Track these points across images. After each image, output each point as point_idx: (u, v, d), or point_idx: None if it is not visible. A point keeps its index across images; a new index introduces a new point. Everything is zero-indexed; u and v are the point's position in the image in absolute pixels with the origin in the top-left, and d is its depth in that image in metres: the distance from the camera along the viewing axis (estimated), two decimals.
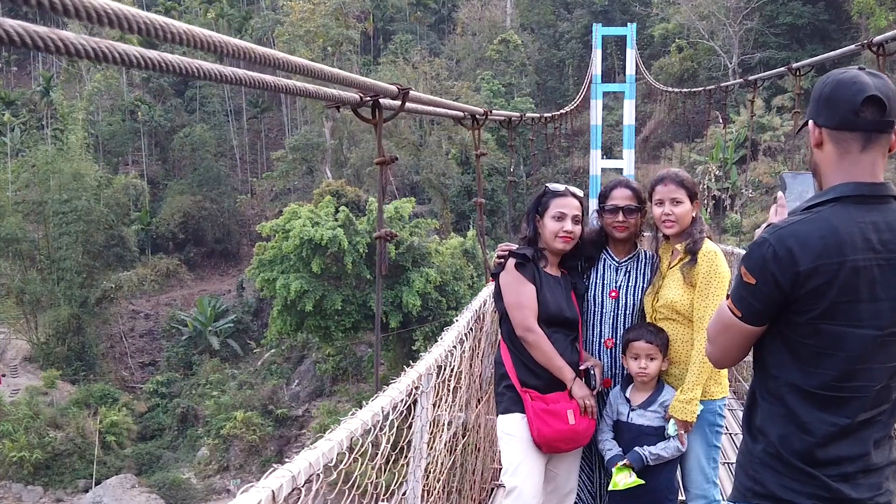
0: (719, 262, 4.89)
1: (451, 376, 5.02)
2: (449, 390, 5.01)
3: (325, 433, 3.05)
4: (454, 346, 5.17)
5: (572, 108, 40.02)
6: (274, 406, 43.34)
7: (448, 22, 73.60)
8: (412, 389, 4.11)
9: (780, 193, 3.01)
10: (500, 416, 5.15)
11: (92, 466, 40.82)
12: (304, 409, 43.58)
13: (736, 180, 41.23)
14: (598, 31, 45.47)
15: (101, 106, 68.80)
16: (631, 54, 44.75)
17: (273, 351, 47.60)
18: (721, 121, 39.23)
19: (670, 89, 41.77)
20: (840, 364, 2.70)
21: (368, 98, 4.36)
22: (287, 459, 2.71)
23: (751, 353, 2.99)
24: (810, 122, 2.80)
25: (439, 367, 4.71)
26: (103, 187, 55.50)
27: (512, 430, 5.02)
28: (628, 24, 47.34)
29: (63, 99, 64.26)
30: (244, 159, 70.22)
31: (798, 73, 10.65)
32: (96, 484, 39.66)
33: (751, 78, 14.70)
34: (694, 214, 5.05)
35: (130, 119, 67.18)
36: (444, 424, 5.09)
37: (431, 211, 50.63)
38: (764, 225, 2.93)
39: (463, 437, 5.84)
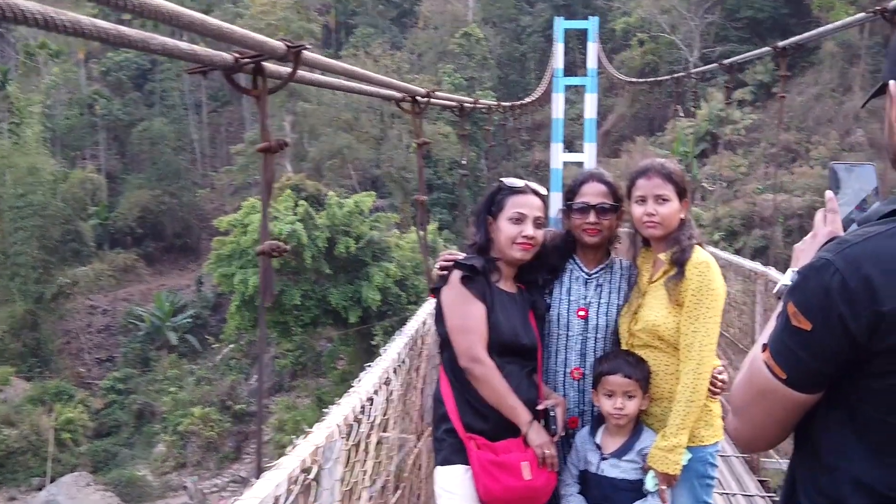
0: (713, 276, 4.04)
1: (371, 430, 3.86)
2: (367, 452, 3.79)
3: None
4: (375, 392, 3.97)
5: (532, 99, 39.93)
6: (232, 402, 42.87)
7: (410, 16, 73.23)
8: (299, 476, 2.84)
9: (829, 193, 2.16)
10: (438, 467, 4.21)
11: (46, 464, 40.07)
12: (263, 404, 43.06)
13: (697, 174, 41.20)
14: (560, 24, 45.43)
15: (58, 100, 67.86)
16: (592, 48, 44.73)
17: (232, 346, 47.09)
18: (682, 113, 39.23)
19: (635, 80, 41.80)
20: None
21: (247, 60, 3.19)
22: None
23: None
24: (892, 83, 1.95)
25: (352, 425, 3.52)
26: (60, 182, 54.76)
27: (452, 487, 4.09)
28: (590, 17, 47.34)
29: (20, 93, 63.33)
30: (204, 153, 69.53)
31: (784, 54, 9.90)
32: (51, 482, 38.98)
33: (726, 62, 14.30)
34: (683, 216, 4.18)
35: (88, 113, 66.25)
36: (361, 491, 3.80)
37: (392, 205, 50.36)
38: (813, 238, 2.13)
39: (395, 492, 4.72)
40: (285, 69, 3.53)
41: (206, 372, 46.87)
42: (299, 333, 38.02)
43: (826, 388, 1.87)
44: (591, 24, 45.10)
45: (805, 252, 2.10)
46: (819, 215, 2.15)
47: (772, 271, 9.05)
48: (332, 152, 52.81)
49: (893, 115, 1.93)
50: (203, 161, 69.25)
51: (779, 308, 1.97)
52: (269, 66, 3.36)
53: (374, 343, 35.21)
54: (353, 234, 35.98)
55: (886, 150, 1.99)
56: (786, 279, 2.08)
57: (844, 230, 2.07)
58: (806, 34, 10.00)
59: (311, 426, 3.31)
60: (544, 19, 60.92)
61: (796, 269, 2.02)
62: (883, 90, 1.99)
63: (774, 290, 2.22)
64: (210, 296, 53.14)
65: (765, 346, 1.95)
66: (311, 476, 2.94)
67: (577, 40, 52.96)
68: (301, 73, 3.91)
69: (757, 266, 9.83)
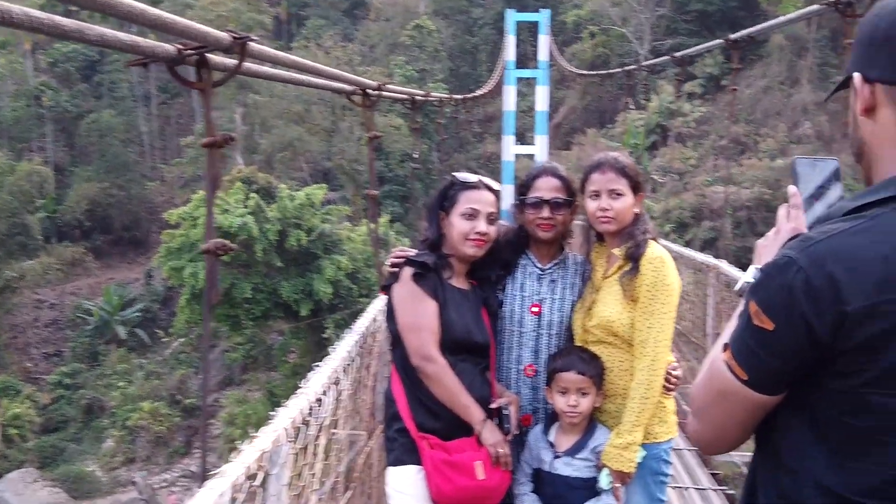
0: (667, 271, 4.01)
1: (320, 432, 3.70)
2: (315, 454, 3.64)
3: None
4: (324, 392, 3.83)
5: (484, 91, 39.97)
6: (182, 396, 42.51)
7: (361, 7, 72.99)
8: (244, 483, 2.70)
9: (791, 188, 2.09)
10: (390, 467, 4.13)
11: None
12: (214, 398, 42.75)
13: (647, 166, 41.38)
14: (512, 17, 45.39)
15: (4, 91, 66.88)
16: (544, 40, 44.75)
17: (182, 340, 46.69)
18: (633, 106, 39.47)
19: (586, 72, 41.92)
20: None
21: (191, 52, 3.04)
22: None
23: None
24: (856, 76, 1.85)
25: (300, 427, 3.37)
26: (6, 174, 54.02)
27: (404, 487, 4.01)
28: (541, 10, 47.41)
29: None
30: (153, 146, 68.85)
31: (736, 46, 9.97)
32: None
33: (678, 54, 14.36)
34: (637, 210, 4.14)
35: (35, 104, 65.27)
36: (310, 495, 3.65)
37: (343, 197, 50.17)
38: (776, 234, 2.07)
39: (345, 492, 4.57)
40: (232, 61, 3.36)
41: (156, 366, 46.45)
42: (250, 327, 37.77)
43: (788, 389, 1.82)
44: (543, 17, 45.07)
45: (768, 248, 2.06)
46: (782, 211, 2.11)
47: (723, 264, 9.07)
48: (283, 144, 52.55)
49: (857, 109, 1.86)
50: (152, 153, 68.61)
51: (740, 307, 1.91)
52: (215, 58, 3.20)
53: (325, 336, 35.11)
54: (304, 226, 35.83)
55: (850, 144, 1.96)
56: (748, 276, 2.04)
57: (808, 227, 2.03)
58: (758, 26, 10.02)
59: (261, 420, 3.22)
60: (496, 11, 60.92)
61: (759, 266, 1.99)
62: (847, 83, 1.92)
63: (736, 288, 2.15)
64: (160, 289, 52.66)
65: (726, 346, 1.89)
66: (257, 482, 2.83)
67: (528, 33, 53.04)
68: (248, 65, 3.76)
69: (708, 259, 9.83)
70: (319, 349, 31.72)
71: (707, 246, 29.49)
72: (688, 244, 27.85)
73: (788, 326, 1.72)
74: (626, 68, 26.31)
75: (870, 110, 1.84)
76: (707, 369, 1.95)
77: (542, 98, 44.56)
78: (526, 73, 47.57)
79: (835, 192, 2.07)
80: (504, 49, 45.75)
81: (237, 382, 43.35)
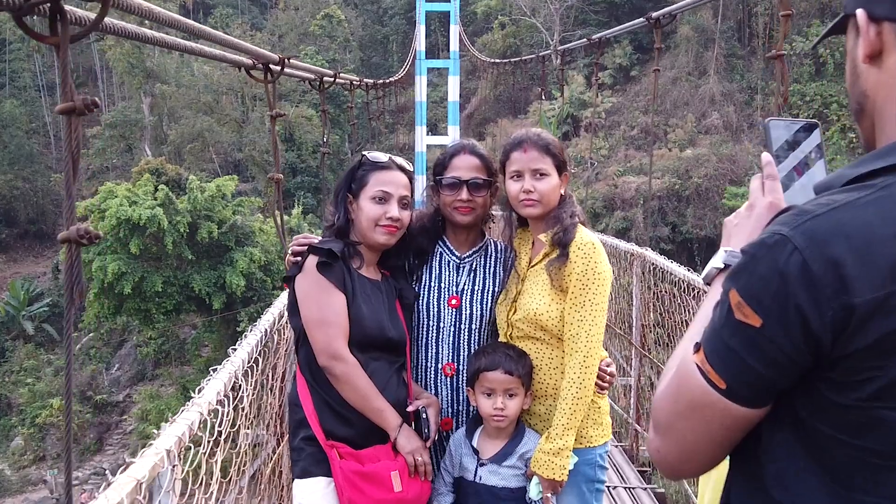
0: (599, 258, 3.61)
1: (217, 448, 3.31)
2: (211, 473, 3.25)
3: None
4: (220, 403, 3.45)
5: (396, 79, 39.87)
6: (93, 392, 41.68)
7: None
8: None
9: (765, 156, 1.74)
10: (296, 479, 3.68)
11: None
12: (126, 394, 42.18)
13: None
14: (422, 6, 45.26)
15: None
16: (455, 30, 44.74)
17: (91, 335, 45.88)
18: (544, 97, 39.67)
19: (499, 61, 41.94)
20: None
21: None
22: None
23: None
24: (860, 14, 1.54)
25: (190, 447, 2.94)
26: None
27: (313, 502, 3.59)
28: None
29: None
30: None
31: (659, 25, 9.57)
32: None
33: (595, 37, 14.04)
34: (563, 192, 3.77)
35: None
36: None
37: (255, 189, 49.70)
38: (749, 210, 1.76)
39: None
40: (94, 15, 2.70)
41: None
42: (162, 321, 37.19)
43: (776, 399, 1.49)
44: (453, 7, 44.95)
45: (740, 227, 1.75)
46: (755, 183, 1.75)
47: (648, 251, 9.06)
48: (192, 135, 51.89)
49: (860, 54, 1.55)
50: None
51: (713, 295, 1.63)
52: (75, 10, 2.62)
53: (239, 329, 34.64)
54: (215, 218, 35.37)
55: (849, 98, 1.64)
56: (717, 261, 1.73)
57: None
58: (679, 4, 9.71)
59: (174, 415, 3.01)
60: (406, 1, 60.89)
61: (730, 248, 1.72)
62: (843, 25, 1.64)
63: (702, 275, 1.79)
64: None
65: (698, 346, 1.53)
66: None
67: (439, 23, 53.06)
68: (127, 25, 3.28)
69: (633, 247, 9.67)
70: (233, 343, 31.16)
71: (619, 235, 29.80)
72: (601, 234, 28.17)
73: (780, 322, 1.39)
74: (540, 54, 26.27)
75: (875, 56, 1.53)
76: (674, 374, 1.60)
77: (453, 88, 44.56)
78: (437, 63, 47.64)
79: (814, 157, 1.75)
80: (415, 39, 45.64)
81: (150, 377, 42.66)
